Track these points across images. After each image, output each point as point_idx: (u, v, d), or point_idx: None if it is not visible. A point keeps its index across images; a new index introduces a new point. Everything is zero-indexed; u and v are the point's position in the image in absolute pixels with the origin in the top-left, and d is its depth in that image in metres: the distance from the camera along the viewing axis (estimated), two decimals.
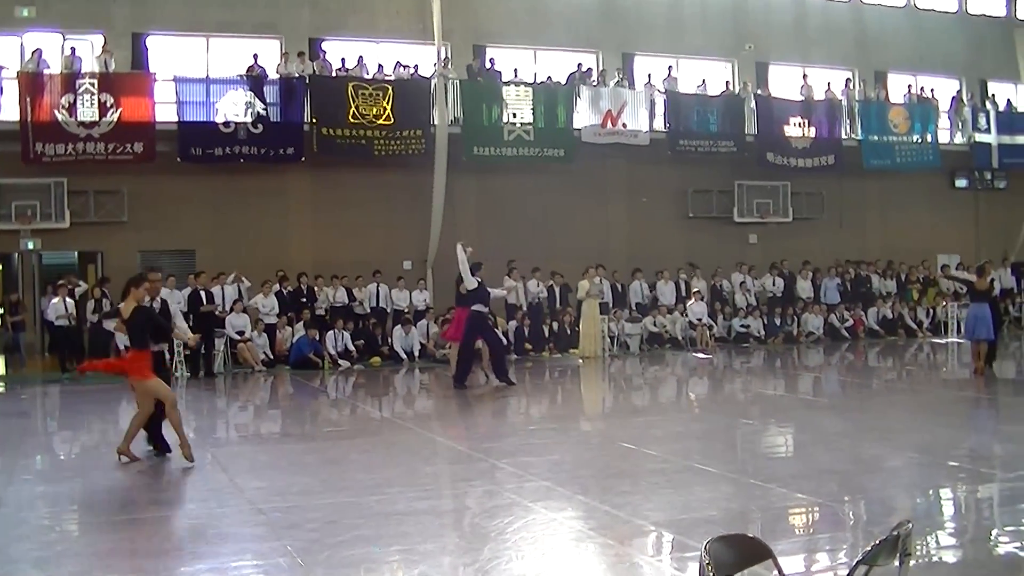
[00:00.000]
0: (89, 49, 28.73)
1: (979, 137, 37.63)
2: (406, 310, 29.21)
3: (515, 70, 31.91)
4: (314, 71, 29.73)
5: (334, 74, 30.04)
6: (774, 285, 33.57)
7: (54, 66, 27.92)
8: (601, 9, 34.05)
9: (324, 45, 30.74)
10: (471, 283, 21.76)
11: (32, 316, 27.85)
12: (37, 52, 27.56)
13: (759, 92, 34.97)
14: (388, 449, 14.55)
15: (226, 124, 28.37)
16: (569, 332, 29.45)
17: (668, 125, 33.21)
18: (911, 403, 19.50)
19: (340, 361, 26.66)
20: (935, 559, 8.85)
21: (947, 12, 39.59)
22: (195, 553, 9.37)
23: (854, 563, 3.87)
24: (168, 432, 13.35)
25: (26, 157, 26.88)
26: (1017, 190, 37.90)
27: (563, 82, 32.24)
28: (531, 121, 31.08)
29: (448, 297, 26.93)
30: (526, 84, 31.65)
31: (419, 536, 9.42)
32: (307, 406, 21.04)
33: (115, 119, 27.36)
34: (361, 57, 30.35)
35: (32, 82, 27.21)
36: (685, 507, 10.51)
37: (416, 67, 30.62)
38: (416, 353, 27.85)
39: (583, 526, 9.77)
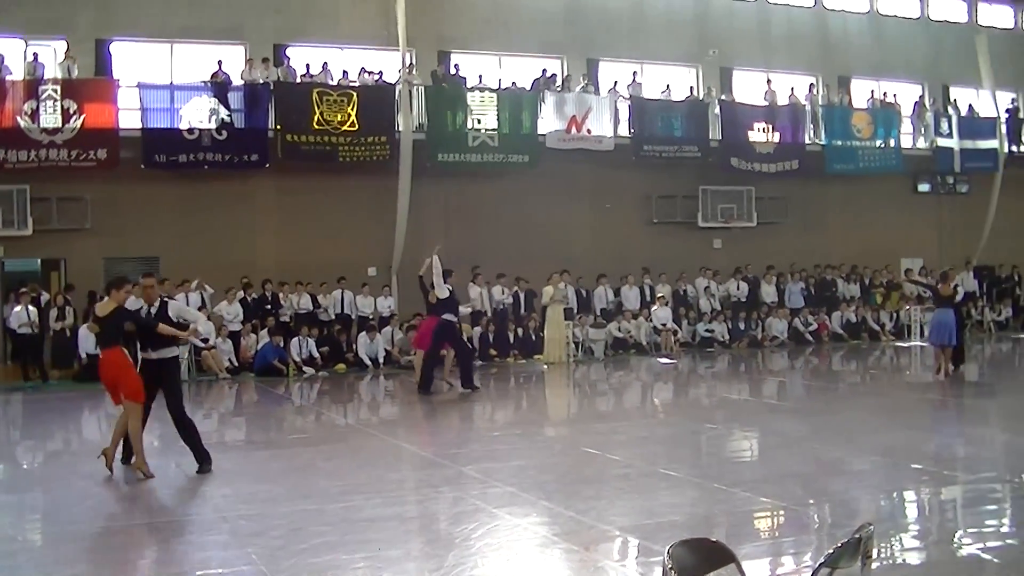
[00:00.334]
0: (52, 55, 28.54)
1: (941, 142, 37.88)
2: (371, 316, 29.21)
3: (480, 76, 31.91)
4: (279, 77, 29.66)
5: (299, 80, 29.99)
6: (738, 289, 33.72)
7: (16, 72, 27.78)
8: (566, 15, 34.08)
9: (289, 51, 30.66)
10: (443, 292, 21.79)
11: None
12: None
13: (723, 97, 35.08)
14: (353, 456, 14.59)
15: (190, 130, 28.23)
16: (534, 338, 29.51)
17: (632, 131, 33.29)
18: (875, 406, 19.62)
19: (305, 368, 26.63)
20: (899, 561, 8.94)
21: (909, 18, 39.83)
22: (160, 561, 9.39)
23: (816, 566, 3.90)
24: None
25: None
26: (979, 194, 38.15)
27: (528, 88, 32.29)
28: (496, 127, 31.09)
29: (413, 303, 26.98)
30: (491, 90, 31.65)
31: (384, 542, 9.47)
32: (272, 413, 21.02)
33: (78, 125, 27.19)
34: (326, 63, 30.29)
35: None
36: (650, 512, 10.58)
37: (381, 73, 30.60)
38: (381, 360, 27.79)
39: (548, 532, 9.82)
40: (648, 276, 32.65)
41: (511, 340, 29.56)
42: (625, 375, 26.94)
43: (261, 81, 29.31)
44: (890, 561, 8.80)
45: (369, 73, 30.53)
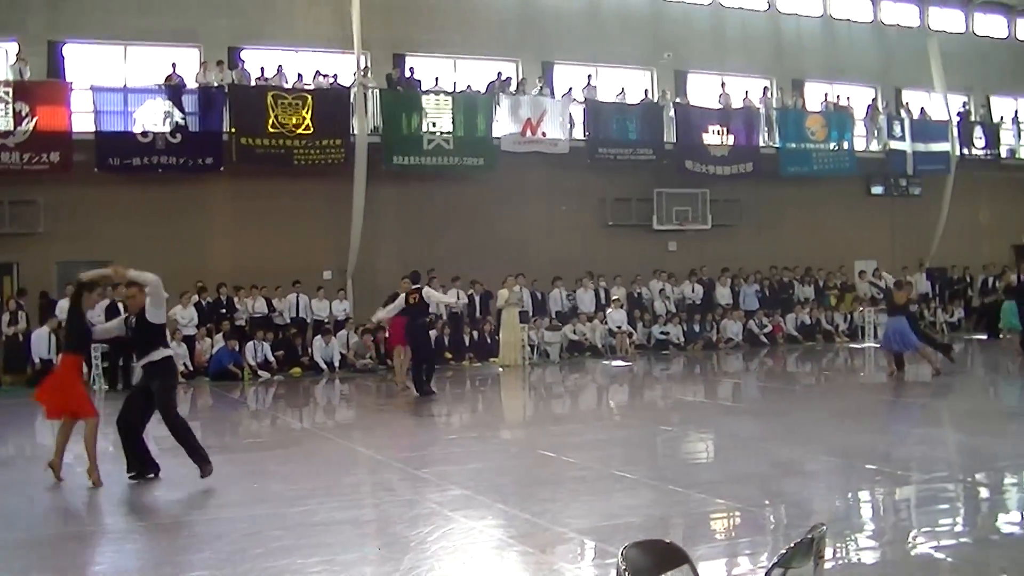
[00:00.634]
0: (3, 57, 28.31)
1: (894, 144, 38.12)
2: (326, 320, 29.16)
3: (435, 79, 31.91)
4: (233, 80, 29.55)
5: (253, 83, 29.86)
6: (693, 292, 33.90)
7: None
8: (521, 18, 34.13)
9: (243, 54, 30.55)
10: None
11: None
12: None
13: (678, 100, 35.26)
14: (308, 460, 14.51)
15: (144, 134, 28.06)
16: (489, 341, 29.54)
17: (587, 133, 33.37)
18: (829, 407, 19.73)
19: (260, 372, 26.57)
20: (854, 560, 8.98)
21: (862, 22, 40.18)
22: (114, 568, 9.31)
23: (769, 567, 3.92)
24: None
25: None
26: (931, 196, 38.47)
27: (483, 91, 32.30)
28: (451, 130, 31.04)
29: (368, 307, 27.00)
30: (446, 93, 31.64)
31: (340, 546, 9.42)
32: (227, 418, 20.91)
33: (30, 128, 26.96)
34: (280, 66, 30.22)
35: None
36: (606, 514, 10.57)
37: (336, 76, 30.56)
38: (336, 363, 27.78)
39: (503, 534, 9.80)
40: (603, 279, 32.73)
41: (466, 343, 29.58)
42: (581, 378, 26.97)
43: (215, 84, 29.20)
44: (845, 561, 8.85)
45: (324, 76, 30.48)
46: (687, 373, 27.43)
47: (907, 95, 40.18)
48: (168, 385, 12.85)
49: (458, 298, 29.43)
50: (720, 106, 35.72)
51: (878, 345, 27.90)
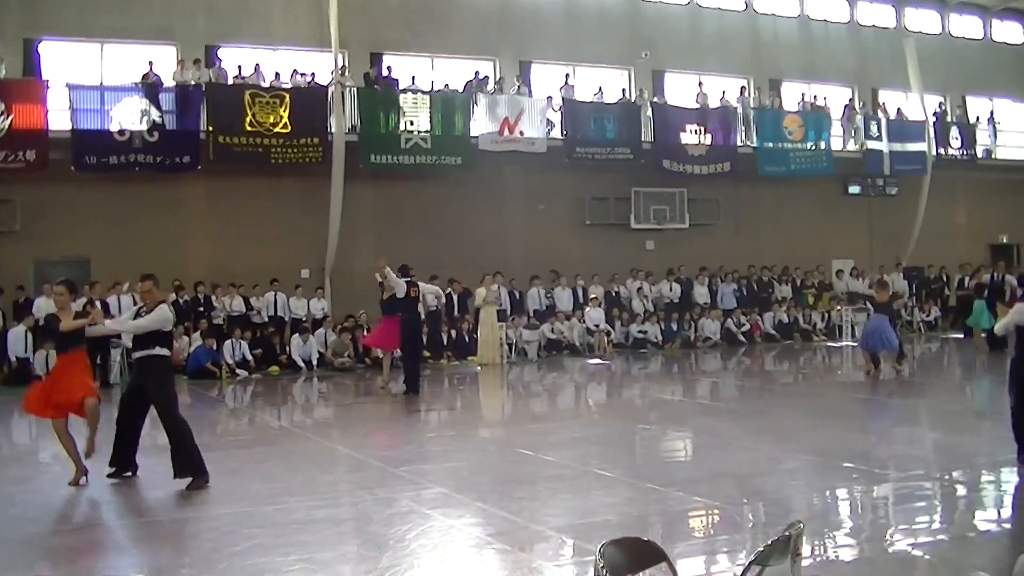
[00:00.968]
0: None
1: (871, 144, 38.23)
2: (304, 318, 29.12)
3: (412, 78, 31.85)
4: (210, 79, 29.44)
5: (231, 82, 29.77)
6: (671, 291, 33.94)
7: None
8: (498, 17, 34.12)
9: (220, 52, 30.44)
10: (401, 291, 21.97)
11: None
12: None
13: (655, 100, 35.25)
14: (286, 458, 14.51)
15: (121, 132, 27.91)
16: (467, 339, 29.53)
17: (565, 132, 33.33)
18: (807, 406, 19.82)
19: (238, 370, 26.51)
20: (831, 558, 9.04)
21: (838, 22, 40.29)
22: (91, 566, 9.30)
23: (747, 564, 3.94)
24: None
25: None
26: (908, 196, 38.61)
27: (460, 90, 32.25)
28: (428, 129, 31.00)
29: (346, 305, 27.14)
30: (423, 92, 31.58)
31: (318, 545, 9.44)
32: (205, 416, 20.75)
33: (6, 126, 26.79)
34: (258, 65, 30.13)
35: None
36: (584, 512, 10.62)
37: (313, 75, 30.49)
38: (314, 362, 27.70)
39: (482, 532, 9.83)
40: (581, 278, 32.77)
41: (444, 342, 29.57)
42: (559, 376, 26.98)
43: (193, 82, 29.09)
44: (822, 558, 8.90)
45: (301, 75, 30.40)
46: (665, 372, 27.48)
47: (884, 95, 40.30)
48: (165, 385, 12.77)
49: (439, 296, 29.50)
50: (698, 106, 35.73)
51: (855, 344, 28.01)
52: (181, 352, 26.55)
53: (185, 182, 29.46)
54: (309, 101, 29.93)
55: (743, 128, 36.24)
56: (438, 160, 31.35)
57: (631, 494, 11.48)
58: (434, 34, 33.13)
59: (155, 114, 28.27)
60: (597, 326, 31.29)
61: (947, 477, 12.36)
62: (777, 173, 36.55)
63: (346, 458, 14.96)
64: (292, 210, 30.32)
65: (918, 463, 13.22)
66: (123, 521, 10.97)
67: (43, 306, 25.81)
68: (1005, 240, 42.20)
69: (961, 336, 33.16)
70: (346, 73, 30.86)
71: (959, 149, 40.41)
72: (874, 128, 38.43)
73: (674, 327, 32.72)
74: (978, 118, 41.76)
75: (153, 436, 13.35)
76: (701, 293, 34.32)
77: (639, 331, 32.28)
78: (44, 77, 28.15)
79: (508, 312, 30.41)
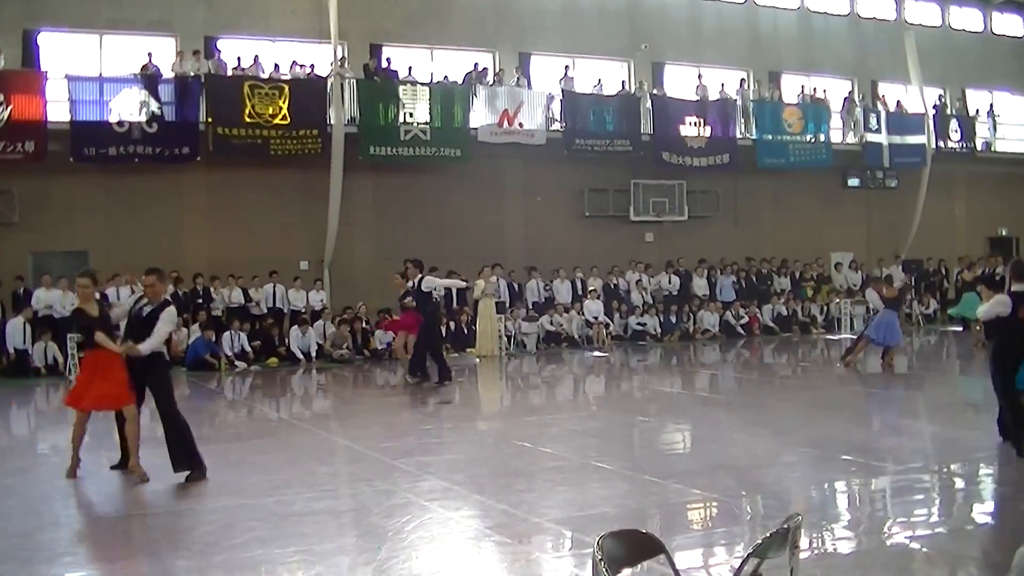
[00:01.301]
0: None
1: (870, 137, 38.25)
2: (303, 310, 29.13)
3: (411, 69, 31.80)
4: (209, 70, 29.38)
5: (230, 73, 29.72)
6: (670, 283, 33.95)
7: None
8: (497, 9, 34.08)
9: (220, 44, 30.37)
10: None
11: None
12: None
13: (655, 92, 35.22)
14: (285, 450, 14.49)
15: (120, 123, 27.87)
16: (466, 331, 29.51)
17: (564, 124, 33.32)
18: (805, 398, 19.87)
19: (237, 362, 26.50)
20: (829, 550, 9.04)
21: (838, 15, 40.23)
22: (89, 557, 9.29)
23: (745, 556, 3.94)
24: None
25: None
26: (907, 189, 38.63)
27: (460, 82, 32.21)
28: (428, 120, 30.97)
29: (344, 297, 27.19)
30: (422, 84, 31.55)
31: (316, 537, 9.45)
32: (204, 408, 20.75)
33: (5, 118, 26.74)
34: (257, 56, 30.09)
35: None
36: (582, 504, 10.61)
37: (312, 66, 30.43)
38: (313, 353, 27.68)
39: (480, 524, 9.85)
40: (580, 270, 32.75)
41: (443, 333, 29.49)
42: (557, 368, 26.96)
43: (192, 74, 29.05)
44: (820, 551, 8.91)
45: (301, 66, 30.36)
46: (664, 364, 27.47)
47: (883, 88, 40.29)
48: (165, 380, 12.76)
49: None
50: (697, 98, 35.72)
51: (854, 336, 28.00)
52: (180, 344, 26.59)
53: (184, 174, 29.44)
54: (308, 93, 29.89)
55: (742, 120, 36.22)
56: (437, 152, 31.32)
57: (629, 486, 11.49)
58: (433, 26, 33.11)
59: (154, 105, 28.22)
60: (596, 318, 31.30)
61: (945, 470, 12.37)
62: (776, 165, 36.57)
63: (345, 450, 14.96)
64: (291, 202, 30.30)
65: (916, 456, 13.23)
66: (120, 513, 10.96)
67: (42, 297, 25.90)
68: (1004, 233, 42.22)
69: (960, 329, 33.16)
70: (345, 65, 30.82)
71: (958, 142, 40.43)
72: (873, 121, 38.44)
73: (673, 319, 32.72)
74: (978, 111, 41.79)
75: (152, 429, 13.33)
76: (700, 285, 34.33)
77: (638, 323, 32.27)
78: (43, 68, 28.11)
79: (507, 304, 30.42)
